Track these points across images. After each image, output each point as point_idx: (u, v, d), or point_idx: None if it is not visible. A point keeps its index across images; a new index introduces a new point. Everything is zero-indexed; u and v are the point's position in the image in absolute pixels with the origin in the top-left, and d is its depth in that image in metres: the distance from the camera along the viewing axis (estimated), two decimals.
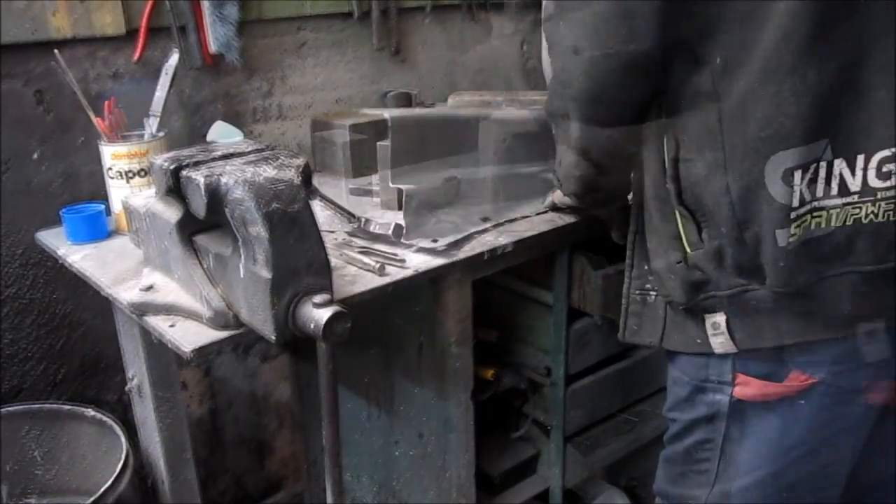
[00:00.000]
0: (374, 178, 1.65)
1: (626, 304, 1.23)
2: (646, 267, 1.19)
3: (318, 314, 0.99)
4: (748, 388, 1.12)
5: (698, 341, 1.13)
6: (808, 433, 1.14)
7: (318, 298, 1.00)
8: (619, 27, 0.98)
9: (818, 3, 0.92)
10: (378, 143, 1.57)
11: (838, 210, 1.00)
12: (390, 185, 1.44)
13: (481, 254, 1.34)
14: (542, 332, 1.66)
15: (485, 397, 1.63)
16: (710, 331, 1.10)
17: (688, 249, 1.07)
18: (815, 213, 1.00)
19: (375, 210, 1.60)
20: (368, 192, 1.69)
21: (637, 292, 1.21)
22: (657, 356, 1.84)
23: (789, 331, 1.06)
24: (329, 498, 1.16)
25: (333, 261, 1.10)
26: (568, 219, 1.51)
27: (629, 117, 1.08)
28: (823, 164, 0.98)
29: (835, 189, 0.99)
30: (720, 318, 1.09)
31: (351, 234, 1.41)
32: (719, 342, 1.10)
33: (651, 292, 1.19)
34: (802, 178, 0.98)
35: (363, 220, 1.40)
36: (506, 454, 1.79)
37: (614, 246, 1.60)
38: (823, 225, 1.00)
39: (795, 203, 0.98)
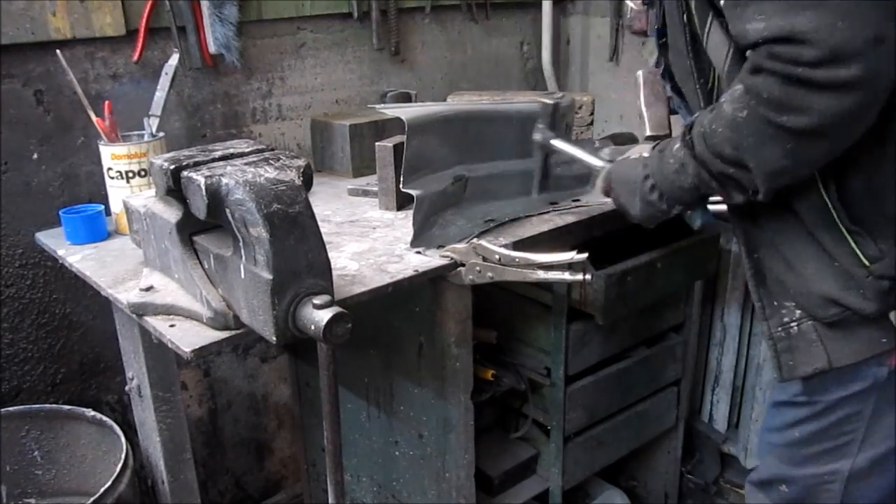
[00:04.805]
0: (373, 178, 1.66)
1: (773, 346, 1.20)
2: (776, 303, 1.19)
3: (318, 315, 0.99)
4: None
5: (883, 340, 1.13)
6: None
7: (318, 300, 1.00)
8: None
9: None
10: (377, 143, 1.57)
11: None
12: (402, 188, 1.43)
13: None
14: (541, 332, 1.66)
15: (484, 398, 1.63)
16: None
17: (867, 263, 1.09)
18: None
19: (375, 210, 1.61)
20: (367, 193, 1.69)
21: (779, 330, 1.19)
22: (657, 357, 1.85)
23: None
24: (330, 498, 1.16)
25: None
26: (568, 218, 1.52)
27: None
28: None
29: None
30: None
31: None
32: None
33: (792, 324, 1.18)
34: None
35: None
36: (505, 455, 1.79)
37: (614, 246, 1.61)
38: None
39: None
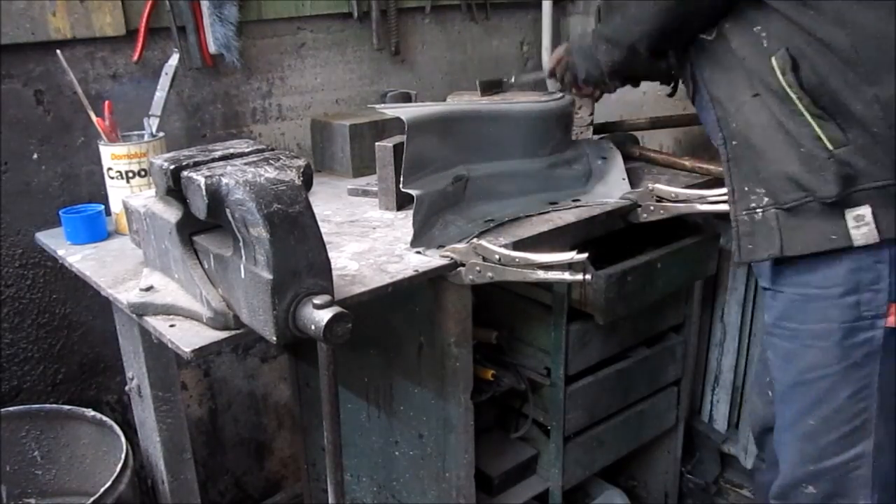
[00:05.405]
0: (373, 178, 1.65)
1: (736, 227, 1.28)
2: (745, 189, 1.25)
3: (318, 315, 0.99)
4: None
5: (832, 237, 1.17)
6: None
7: (318, 300, 1.00)
8: None
9: None
10: (377, 143, 1.57)
11: None
12: (402, 188, 1.44)
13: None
14: (541, 332, 1.66)
15: (484, 398, 1.63)
16: (850, 223, 1.15)
17: (830, 147, 1.15)
18: None
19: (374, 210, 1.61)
20: (367, 193, 1.69)
21: (744, 212, 1.26)
22: (657, 357, 1.85)
23: None
24: (330, 498, 1.16)
25: None
26: (568, 218, 1.52)
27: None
28: None
29: None
30: (864, 210, 1.15)
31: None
32: (862, 233, 1.15)
33: (757, 209, 1.24)
34: None
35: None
36: (505, 455, 1.79)
37: (614, 246, 1.61)
38: None
39: None
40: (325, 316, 0.99)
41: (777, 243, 1.22)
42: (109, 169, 1.46)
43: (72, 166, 1.65)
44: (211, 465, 2.05)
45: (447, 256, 1.33)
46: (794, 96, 1.17)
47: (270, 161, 1.08)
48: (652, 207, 1.55)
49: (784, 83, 1.18)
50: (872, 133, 1.14)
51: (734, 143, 1.28)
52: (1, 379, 1.65)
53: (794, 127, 1.18)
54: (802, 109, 1.17)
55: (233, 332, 1.09)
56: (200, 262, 1.13)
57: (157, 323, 1.13)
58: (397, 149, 1.52)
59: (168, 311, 1.14)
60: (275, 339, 1.02)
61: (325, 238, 1.06)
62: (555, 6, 2.43)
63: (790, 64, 1.17)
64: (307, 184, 1.07)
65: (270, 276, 0.99)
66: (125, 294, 1.21)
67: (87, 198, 1.64)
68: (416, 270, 1.29)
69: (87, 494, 1.35)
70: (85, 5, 1.57)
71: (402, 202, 1.57)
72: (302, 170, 1.07)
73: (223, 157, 1.10)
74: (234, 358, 2.01)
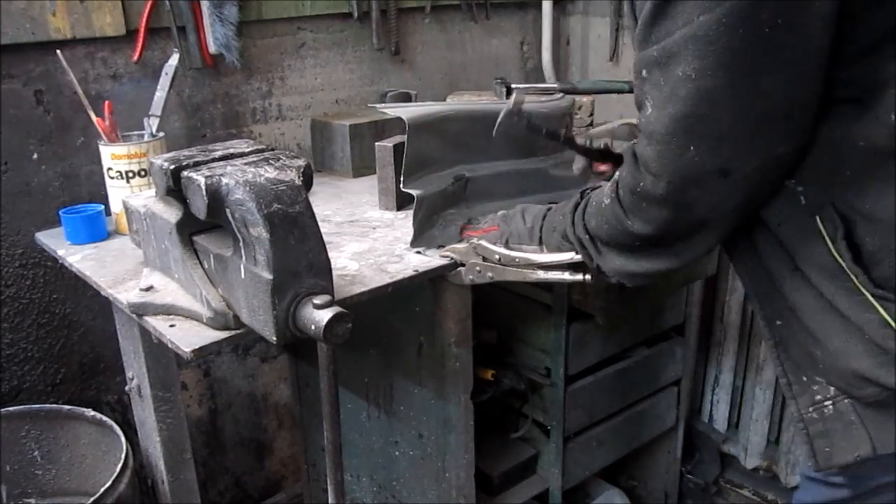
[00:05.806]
0: (373, 177, 1.65)
1: (805, 430, 1.04)
2: (804, 379, 1.03)
3: (318, 315, 0.99)
4: None
5: None
6: None
7: (318, 299, 1.00)
8: (776, 128, 0.89)
9: None
10: (377, 143, 1.57)
11: None
12: (402, 188, 1.44)
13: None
14: (541, 332, 1.66)
15: (484, 398, 1.63)
16: None
17: None
18: None
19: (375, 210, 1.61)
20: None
21: (811, 410, 1.03)
22: (657, 357, 1.85)
23: None
24: (330, 498, 1.16)
25: None
26: None
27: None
28: None
29: None
30: None
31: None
32: None
33: (826, 403, 1.02)
34: None
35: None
36: (505, 455, 1.79)
37: None
38: None
39: None
40: (325, 316, 0.99)
41: (866, 442, 0.99)
42: (109, 169, 1.46)
43: (72, 166, 1.65)
44: (211, 465, 2.05)
45: (447, 256, 1.33)
46: (848, 271, 0.92)
47: (270, 161, 1.08)
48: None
49: (835, 254, 0.93)
50: None
51: (778, 323, 1.04)
52: (1, 379, 1.65)
53: (854, 311, 0.93)
54: (861, 288, 0.92)
55: (233, 332, 1.09)
56: (200, 262, 1.13)
57: (157, 323, 1.13)
58: (397, 149, 1.52)
59: (168, 311, 1.14)
60: (275, 339, 1.02)
61: (325, 238, 1.06)
62: (555, 6, 2.43)
63: (842, 227, 0.92)
64: (307, 184, 1.07)
65: (270, 276, 0.99)
66: (125, 294, 1.21)
67: (87, 198, 1.64)
68: (416, 270, 1.29)
69: (87, 494, 1.35)
70: (85, 5, 1.57)
71: (402, 202, 1.57)
72: (302, 170, 1.07)
73: (223, 157, 1.10)
74: (234, 358, 2.01)
